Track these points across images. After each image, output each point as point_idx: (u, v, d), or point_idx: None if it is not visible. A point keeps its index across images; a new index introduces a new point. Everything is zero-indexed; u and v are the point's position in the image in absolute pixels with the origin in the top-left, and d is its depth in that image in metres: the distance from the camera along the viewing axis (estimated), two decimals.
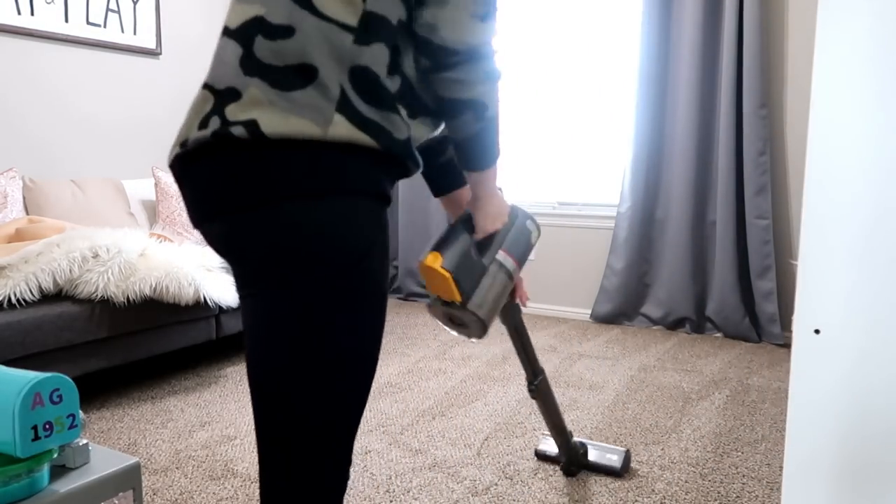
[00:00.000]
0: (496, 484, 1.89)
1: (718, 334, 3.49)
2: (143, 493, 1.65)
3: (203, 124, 0.78)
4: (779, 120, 3.34)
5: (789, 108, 3.31)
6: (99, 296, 2.37)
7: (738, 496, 1.83)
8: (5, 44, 3.04)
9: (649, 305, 3.66)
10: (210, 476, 1.94)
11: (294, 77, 0.75)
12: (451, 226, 1.15)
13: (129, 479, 1.13)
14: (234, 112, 0.75)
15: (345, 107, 0.76)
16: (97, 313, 2.39)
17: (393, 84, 0.81)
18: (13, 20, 3.04)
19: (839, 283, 1.03)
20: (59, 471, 1.10)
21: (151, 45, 3.63)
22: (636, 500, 1.80)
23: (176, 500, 1.80)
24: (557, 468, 1.98)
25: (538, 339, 3.45)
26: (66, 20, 3.24)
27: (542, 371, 1.73)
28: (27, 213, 2.92)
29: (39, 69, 3.18)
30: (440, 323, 1.20)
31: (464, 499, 1.80)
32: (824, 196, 1.03)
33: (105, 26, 3.41)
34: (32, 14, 3.10)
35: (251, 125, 0.73)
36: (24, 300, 2.27)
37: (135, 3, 3.53)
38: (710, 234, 3.48)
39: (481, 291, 1.12)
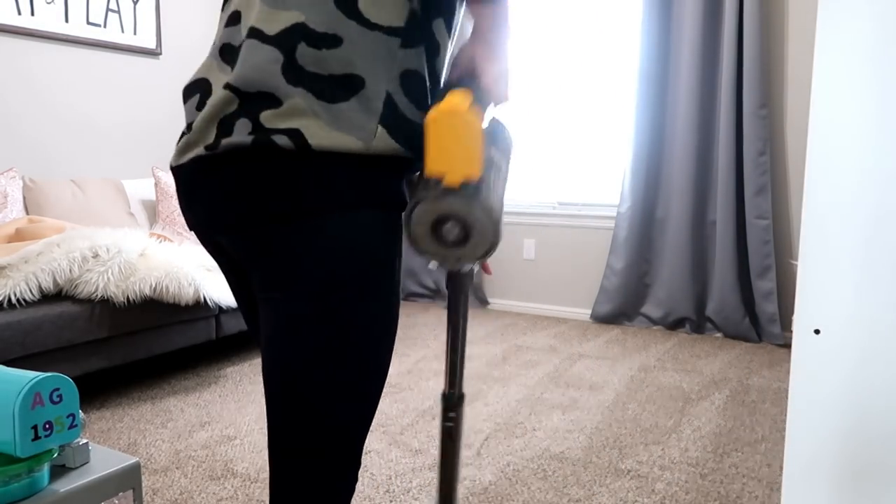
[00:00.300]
0: (496, 484, 1.89)
1: (718, 334, 3.49)
2: (143, 493, 1.66)
3: (227, 126, 0.76)
4: (779, 120, 3.34)
5: (789, 108, 3.31)
6: (99, 296, 2.37)
7: (738, 496, 1.83)
8: (5, 44, 3.04)
9: (649, 305, 3.66)
10: (210, 476, 1.94)
11: (338, 88, 0.74)
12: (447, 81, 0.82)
13: (129, 479, 1.13)
14: (270, 119, 0.74)
15: (388, 118, 0.76)
16: (97, 313, 2.39)
17: (430, 83, 0.82)
18: (13, 20, 3.04)
19: (839, 283, 1.03)
20: (59, 471, 1.10)
21: (151, 45, 3.63)
22: (636, 500, 1.80)
23: (176, 500, 1.80)
24: (557, 468, 1.98)
25: (538, 339, 3.45)
26: (66, 20, 3.24)
27: (463, 394, 1.07)
28: (27, 213, 2.92)
29: (40, 69, 3.18)
30: (418, 240, 0.77)
31: (464, 499, 1.80)
32: (824, 196, 1.03)
33: (105, 26, 3.41)
34: (32, 14, 3.10)
35: (296, 135, 0.73)
36: (24, 300, 2.27)
37: (135, 3, 3.53)
38: (710, 234, 3.48)
39: (489, 186, 0.76)
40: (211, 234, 0.87)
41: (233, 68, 0.80)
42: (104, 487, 1.09)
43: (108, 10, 3.41)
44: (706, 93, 3.38)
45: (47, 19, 3.16)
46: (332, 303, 0.78)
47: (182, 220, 3.32)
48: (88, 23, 3.33)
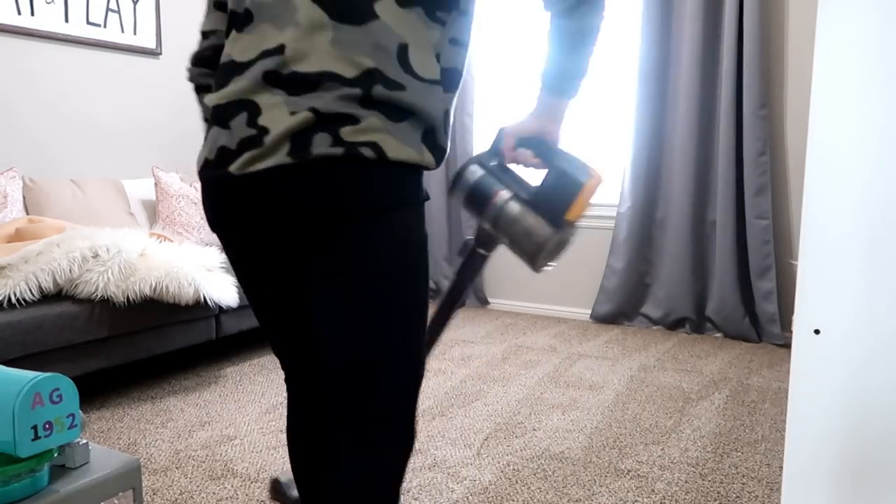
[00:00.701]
0: (496, 484, 1.89)
1: (718, 334, 3.49)
2: (143, 493, 1.66)
3: (304, 140, 0.93)
4: (779, 120, 3.34)
5: (789, 108, 3.31)
6: (99, 296, 2.37)
7: (738, 496, 1.83)
8: (5, 44, 3.04)
9: (649, 305, 3.66)
10: (210, 476, 1.94)
11: (400, 113, 0.96)
12: (545, 143, 1.14)
13: (129, 479, 1.13)
14: (350, 134, 0.92)
15: (429, 140, 0.99)
16: (97, 313, 2.39)
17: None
18: (13, 20, 3.04)
19: (839, 283, 1.03)
20: (59, 471, 1.10)
21: (151, 45, 3.63)
22: (636, 500, 1.80)
23: (176, 500, 1.80)
24: (557, 467, 1.99)
25: (538, 339, 3.45)
26: (66, 20, 3.24)
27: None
28: (27, 213, 2.92)
29: (40, 69, 3.18)
30: (542, 260, 1.12)
31: (464, 499, 1.81)
32: (824, 196, 1.03)
33: (105, 26, 3.41)
34: (32, 14, 3.10)
35: (375, 147, 0.93)
36: (24, 300, 2.27)
37: (135, 3, 3.53)
38: (710, 234, 3.48)
39: None
40: (268, 235, 1.00)
41: (288, 92, 0.94)
42: (104, 487, 1.09)
43: (108, 10, 3.41)
44: (706, 93, 3.38)
45: (47, 19, 3.16)
46: (399, 278, 0.98)
47: (181, 219, 3.32)
48: (88, 23, 3.33)
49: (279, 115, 0.94)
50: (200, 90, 1.17)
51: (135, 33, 3.54)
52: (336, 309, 0.99)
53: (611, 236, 3.75)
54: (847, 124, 1.01)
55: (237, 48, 1.00)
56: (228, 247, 1.10)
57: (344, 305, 0.98)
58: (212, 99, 1.03)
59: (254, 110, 0.96)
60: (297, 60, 0.95)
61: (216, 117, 1.01)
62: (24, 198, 2.94)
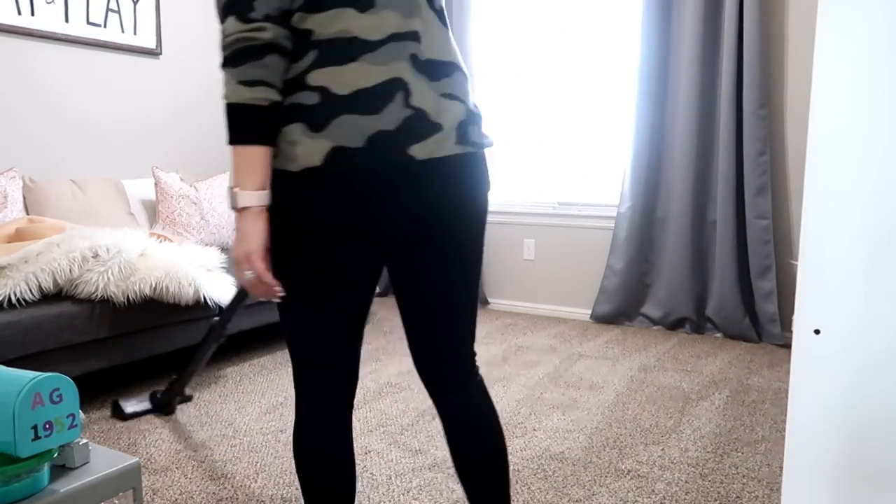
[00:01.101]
0: None
1: (718, 334, 3.49)
2: (143, 493, 1.66)
3: (464, 131, 1.10)
4: (779, 120, 3.34)
5: (789, 108, 3.31)
6: (99, 296, 2.37)
7: (738, 496, 1.83)
8: (5, 44, 3.04)
9: (649, 305, 3.66)
10: (210, 476, 1.94)
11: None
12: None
13: (129, 479, 1.13)
14: (482, 127, 1.15)
15: None
16: (97, 313, 2.39)
17: None
18: (13, 20, 3.04)
19: (839, 283, 1.03)
20: (59, 471, 1.10)
21: (151, 45, 3.63)
22: (636, 500, 1.80)
23: (176, 500, 1.80)
24: (557, 468, 1.99)
25: (538, 339, 3.45)
26: (66, 20, 3.24)
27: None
28: (27, 213, 2.92)
29: (40, 69, 3.18)
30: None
31: (463, 499, 1.80)
32: (824, 196, 1.03)
33: (105, 26, 3.41)
34: (32, 14, 3.10)
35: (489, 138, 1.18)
36: (24, 300, 2.27)
37: (135, 3, 3.53)
38: (710, 234, 3.48)
39: None
40: (406, 220, 1.09)
41: (429, 77, 1.07)
42: (104, 487, 1.09)
43: (108, 10, 3.41)
44: (706, 93, 3.38)
45: (47, 19, 3.16)
46: (482, 237, 1.22)
47: (181, 219, 3.32)
48: (88, 23, 3.33)
49: (430, 97, 1.06)
50: (275, 50, 1.00)
51: (135, 33, 3.54)
52: (458, 272, 1.18)
53: (611, 236, 3.75)
54: (847, 123, 1.01)
55: (359, 26, 1.03)
56: (340, 243, 1.05)
57: (464, 269, 1.19)
58: (345, 75, 1.00)
59: (406, 89, 1.05)
60: (430, 49, 1.09)
61: (357, 100, 1.01)
62: (24, 198, 2.94)
